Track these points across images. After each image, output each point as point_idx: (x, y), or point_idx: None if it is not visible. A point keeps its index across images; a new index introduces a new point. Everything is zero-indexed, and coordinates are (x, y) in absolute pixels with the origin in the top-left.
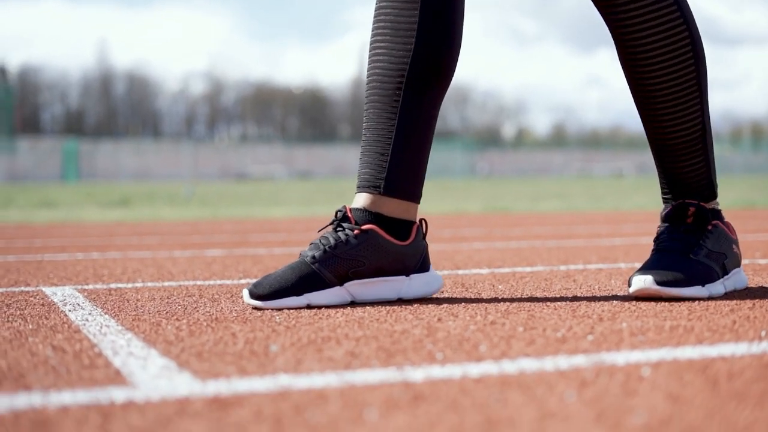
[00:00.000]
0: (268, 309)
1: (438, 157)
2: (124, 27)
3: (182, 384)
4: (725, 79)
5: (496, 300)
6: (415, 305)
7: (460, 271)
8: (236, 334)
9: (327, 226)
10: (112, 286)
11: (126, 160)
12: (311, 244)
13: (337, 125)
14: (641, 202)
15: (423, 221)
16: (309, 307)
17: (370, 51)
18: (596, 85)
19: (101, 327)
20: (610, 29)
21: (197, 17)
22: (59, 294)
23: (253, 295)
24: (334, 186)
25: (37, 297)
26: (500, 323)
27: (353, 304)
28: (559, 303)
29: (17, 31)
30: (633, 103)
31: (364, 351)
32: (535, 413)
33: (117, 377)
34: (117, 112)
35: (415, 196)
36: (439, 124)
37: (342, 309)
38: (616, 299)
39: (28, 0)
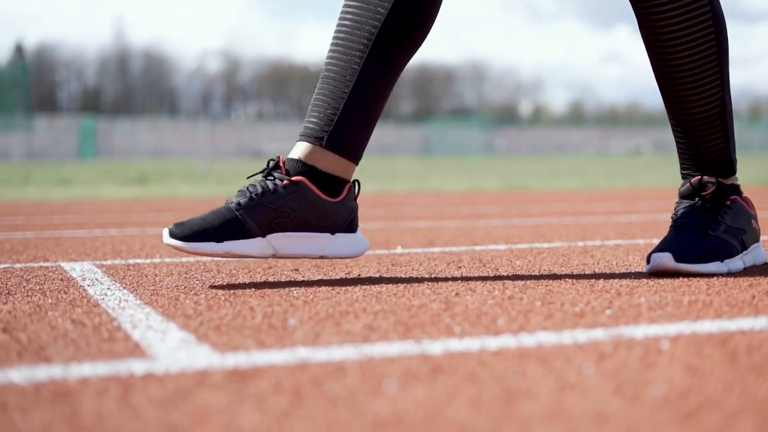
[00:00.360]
0: (185, 251)
1: (455, 134)
2: (141, 4)
3: (201, 356)
4: (744, 55)
5: (513, 275)
6: (433, 281)
7: (478, 247)
8: (254, 308)
9: (257, 173)
10: (131, 261)
11: (143, 137)
12: (239, 190)
13: None
14: (659, 180)
15: (356, 182)
16: (228, 255)
17: (344, 3)
18: (614, 62)
19: (120, 301)
20: (631, 3)
21: None
22: (78, 269)
23: (173, 235)
24: None
25: (56, 272)
26: (518, 298)
27: (369, 279)
28: (577, 278)
29: (34, 9)
30: (652, 79)
31: (382, 325)
32: (553, 385)
33: (136, 350)
34: (134, 89)
35: (355, 156)
36: (456, 102)
37: (360, 284)
38: (634, 274)
39: None
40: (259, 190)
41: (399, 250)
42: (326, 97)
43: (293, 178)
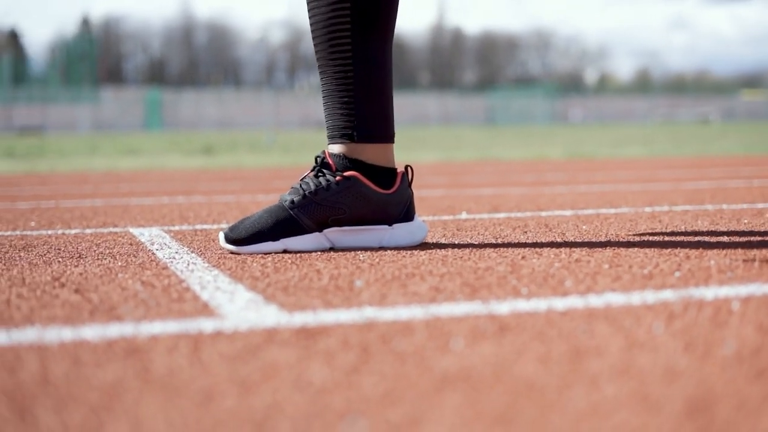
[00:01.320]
0: (242, 254)
1: (519, 103)
2: None
3: (269, 315)
4: None
5: (580, 239)
6: (499, 245)
7: (543, 213)
8: (321, 271)
9: (309, 172)
10: (198, 227)
11: (208, 108)
12: (291, 188)
13: (417, 72)
14: (728, 147)
15: (408, 168)
16: (286, 251)
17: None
18: (682, 28)
19: (188, 264)
20: None
21: None
22: (146, 234)
23: (229, 240)
24: (413, 133)
25: (125, 237)
26: (585, 261)
27: (435, 243)
28: (644, 242)
29: None
30: (721, 46)
31: (448, 286)
32: (622, 343)
33: (205, 309)
34: (198, 61)
35: (388, 137)
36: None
37: (425, 248)
38: (704, 238)
39: None
40: (313, 188)
41: (464, 215)
42: (335, 94)
43: (346, 174)
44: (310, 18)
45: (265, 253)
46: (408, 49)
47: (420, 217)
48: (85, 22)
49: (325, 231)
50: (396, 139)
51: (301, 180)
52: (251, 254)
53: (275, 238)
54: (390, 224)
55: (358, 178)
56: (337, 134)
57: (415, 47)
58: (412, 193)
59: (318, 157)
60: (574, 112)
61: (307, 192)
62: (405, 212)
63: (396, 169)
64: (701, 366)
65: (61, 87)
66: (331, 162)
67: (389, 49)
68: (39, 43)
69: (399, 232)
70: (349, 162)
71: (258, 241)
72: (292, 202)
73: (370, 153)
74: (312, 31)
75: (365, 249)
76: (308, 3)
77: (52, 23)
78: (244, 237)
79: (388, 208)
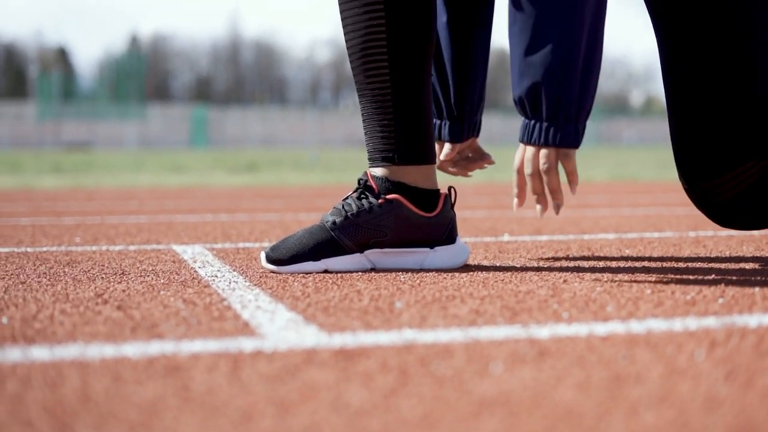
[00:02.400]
0: (283, 273)
1: None
2: None
3: (309, 336)
4: None
5: (623, 263)
6: (541, 268)
7: (586, 236)
8: (361, 292)
9: (352, 192)
10: (240, 245)
11: (253, 126)
12: (334, 208)
13: None
14: None
15: (452, 189)
16: (326, 272)
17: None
18: None
19: (230, 282)
20: None
21: None
22: (189, 252)
23: (270, 260)
24: None
25: (168, 254)
26: (627, 285)
27: (475, 266)
28: (688, 267)
29: (149, 0)
30: None
31: (488, 309)
32: (663, 370)
33: (246, 329)
34: (244, 79)
35: (429, 158)
36: None
37: (467, 270)
38: (749, 264)
39: None
40: (355, 209)
41: (506, 237)
42: (374, 116)
43: (388, 197)
44: (346, 42)
45: (306, 273)
46: None
47: (462, 239)
48: (134, 40)
49: (366, 252)
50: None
51: (344, 201)
52: (292, 274)
53: (316, 259)
54: (432, 247)
55: (401, 201)
56: (378, 156)
57: None
58: (455, 215)
59: (361, 179)
60: (628, 133)
61: (349, 213)
62: (447, 235)
63: (439, 191)
64: (743, 395)
65: (109, 103)
66: (373, 184)
67: (429, 68)
68: (88, 60)
69: (440, 255)
70: (391, 184)
71: (298, 261)
72: (334, 223)
73: (411, 175)
74: (349, 54)
75: (406, 271)
76: (344, 27)
77: (101, 41)
78: (285, 257)
79: (430, 230)
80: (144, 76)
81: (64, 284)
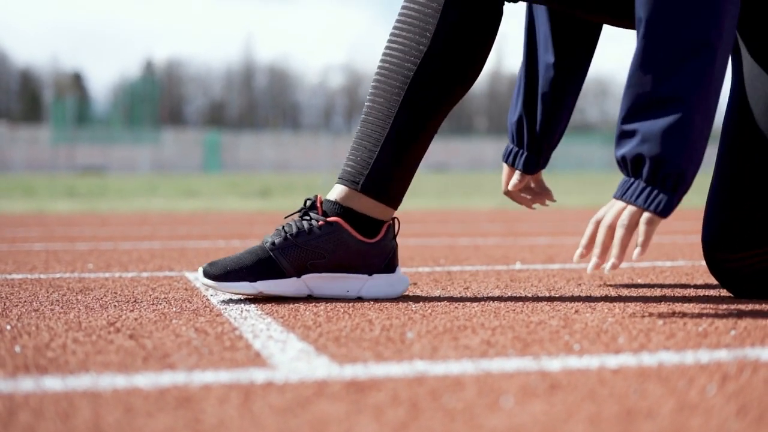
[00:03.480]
0: (219, 290)
1: (576, 150)
2: (268, 22)
3: (320, 367)
4: None
5: (635, 293)
6: (553, 298)
7: None
8: (373, 321)
9: (294, 213)
10: None
11: (266, 151)
12: (276, 229)
13: (474, 117)
14: None
15: (395, 220)
16: (261, 294)
17: (387, 40)
18: None
19: (242, 311)
20: None
21: (337, 10)
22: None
23: (207, 275)
24: (470, 179)
25: (181, 282)
26: (639, 316)
27: (487, 295)
28: (701, 297)
29: (164, 26)
30: None
31: (500, 340)
32: (674, 405)
33: (257, 359)
34: (258, 104)
35: (393, 200)
36: (577, 118)
37: (478, 300)
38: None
39: None
40: (294, 230)
41: (518, 266)
42: (364, 139)
43: (329, 219)
44: (386, 46)
45: (241, 294)
46: (466, 95)
47: (474, 266)
48: (149, 65)
49: (304, 277)
50: (451, 185)
51: (286, 222)
52: (226, 291)
53: (253, 279)
54: (369, 274)
55: (341, 224)
56: (346, 177)
57: (474, 93)
58: (397, 245)
59: (308, 199)
60: None
61: (288, 234)
62: (387, 263)
63: (383, 220)
64: (754, 430)
65: (123, 128)
66: (318, 206)
67: (437, 122)
68: (103, 85)
69: (378, 283)
70: (340, 208)
71: (234, 279)
72: (273, 243)
73: (366, 205)
74: (380, 60)
75: (343, 299)
76: (393, 29)
77: (115, 66)
78: (221, 273)
79: (367, 257)
80: (158, 100)
81: (77, 312)
